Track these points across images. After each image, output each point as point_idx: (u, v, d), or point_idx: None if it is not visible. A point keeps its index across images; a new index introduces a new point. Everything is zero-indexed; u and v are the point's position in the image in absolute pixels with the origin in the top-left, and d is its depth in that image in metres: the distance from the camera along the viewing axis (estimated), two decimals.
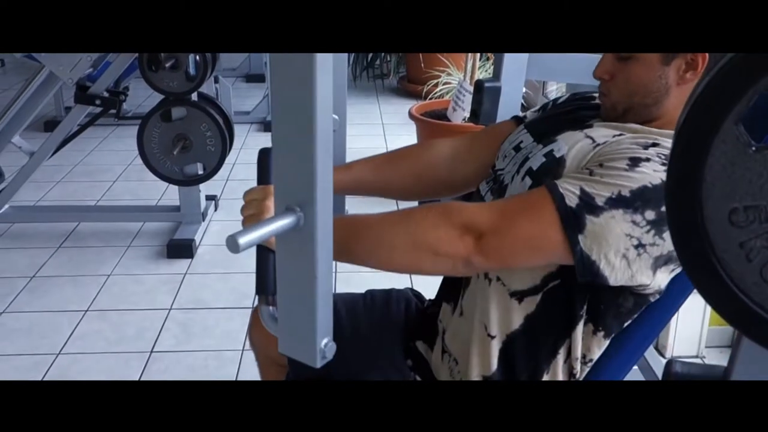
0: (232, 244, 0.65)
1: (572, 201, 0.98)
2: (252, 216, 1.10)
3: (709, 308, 2.17)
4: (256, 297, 1.04)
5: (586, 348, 1.13)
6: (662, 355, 2.28)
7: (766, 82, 0.51)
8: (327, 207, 0.69)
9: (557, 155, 1.10)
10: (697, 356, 2.29)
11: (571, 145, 1.10)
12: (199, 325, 2.54)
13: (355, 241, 1.06)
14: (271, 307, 1.00)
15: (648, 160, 1.00)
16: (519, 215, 1.02)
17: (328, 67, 0.65)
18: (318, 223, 0.68)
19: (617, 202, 0.97)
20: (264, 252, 1.04)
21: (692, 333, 2.28)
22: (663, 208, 0.97)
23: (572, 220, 0.98)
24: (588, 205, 0.98)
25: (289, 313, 0.75)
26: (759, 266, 0.56)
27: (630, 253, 0.99)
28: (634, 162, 1.00)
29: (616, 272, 1.00)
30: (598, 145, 1.08)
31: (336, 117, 0.73)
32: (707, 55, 1.08)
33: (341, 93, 1.36)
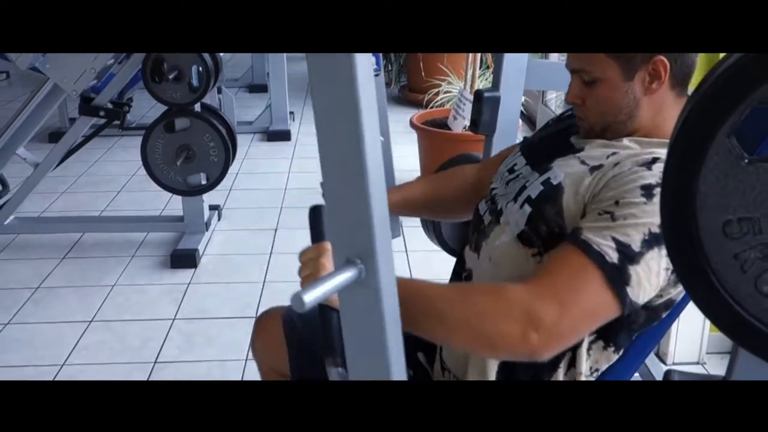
0: (298, 302, 0.62)
1: (612, 257, 0.98)
2: (309, 276, 1.02)
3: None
4: (266, 311, 0.99)
5: (594, 361, 1.13)
6: (663, 361, 2.27)
7: (759, 95, 0.51)
8: (388, 257, 0.66)
9: (554, 182, 1.11)
10: (698, 362, 2.29)
11: (567, 171, 1.11)
12: (203, 335, 2.54)
13: (413, 312, 0.98)
14: (339, 369, 0.93)
15: (659, 185, 1.00)
16: (570, 293, 0.99)
17: (373, 111, 0.63)
18: (381, 274, 0.66)
19: (651, 242, 0.98)
20: (326, 311, 0.98)
21: (693, 339, 2.27)
22: None
23: (617, 277, 0.98)
24: (627, 256, 0.98)
25: (361, 370, 0.72)
26: (753, 277, 0.56)
27: (666, 281, 1.02)
28: (648, 190, 1.00)
29: (651, 299, 1.03)
30: (594, 168, 1.09)
31: (382, 138, 0.71)
32: (666, 61, 1.10)
33: (383, 115, 1.35)
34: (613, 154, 1.11)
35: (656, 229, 0.98)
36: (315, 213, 1.09)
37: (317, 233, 1.07)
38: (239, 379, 2.28)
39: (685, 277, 0.58)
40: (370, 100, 0.62)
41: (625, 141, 1.14)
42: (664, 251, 0.98)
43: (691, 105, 0.54)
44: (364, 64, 0.61)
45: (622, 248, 0.98)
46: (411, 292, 1.00)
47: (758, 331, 0.56)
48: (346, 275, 0.64)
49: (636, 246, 0.98)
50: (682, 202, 0.55)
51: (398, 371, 0.70)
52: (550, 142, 1.28)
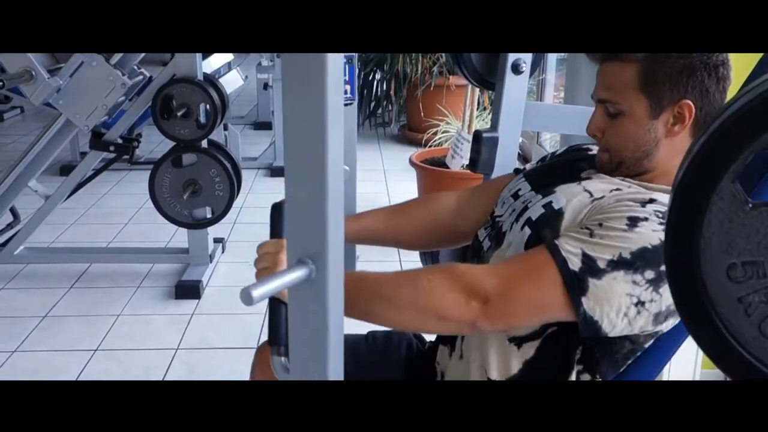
0: (246, 297, 0.64)
1: (575, 264, 0.97)
2: (265, 269, 1.08)
3: (701, 352, 2.14)
4: (266, 342, 1.02)
5: None
6: None
7: (761, 142, 0.50)
8: (338, 260, 0.68)
9: (555, 207, 1.09)
10: None
11: (569, 198, 1.10)
12: (205, 365, 2.50)
13: (362, 300, 1.04)
14: (282, 358, 0.98)
15: (646, 219, 0.99)
16: (523, 280, 1.01)
17: (340, 122, 0.65)
18: (329, 276, 0.67)
19: (618, 264, 0.97)
20: (276, 304, 1.02)
21: (685, 376, 2.24)
22: (662, 267, 0.96)
23: (575, 284, 0.97)
24: (590, 268, 0.97)
25: (301, 364, 0.73)
26: (757, 321, 0.54)
27: (630, 311, 0.98)
28: (633, 222, 0.99)
29: (616, 329, 0.99)
30: (596, 199, 1.08)
31: (347, 168, 0.72)
32: (693, 107, 1.08)
33: (351, 145, 1.36)
34: (617, 189, 1.10)
35: (627, 255, 0.96)
36: (276, 210, 1.13)
37: (277, 229, 1.12)
38: None
39: (689, 319, 0.56)
40: (337, 106, 0.64)
41: (632, 182, 1.13)
42: (631, 278, 0.96)
43: (695, 150, 0.53)
44: (335, 64, 0.63)
45: (588, 261, 0.97)
46: (360, 280, 1.05)
47: (762, 374, 0.55)
48: (296, 274, 0.66)
49: (602, 263, 0.97)
50: (686, 246, 0.54)
51: (336, 367, 0.71)
52: (556, 168, 1.26)
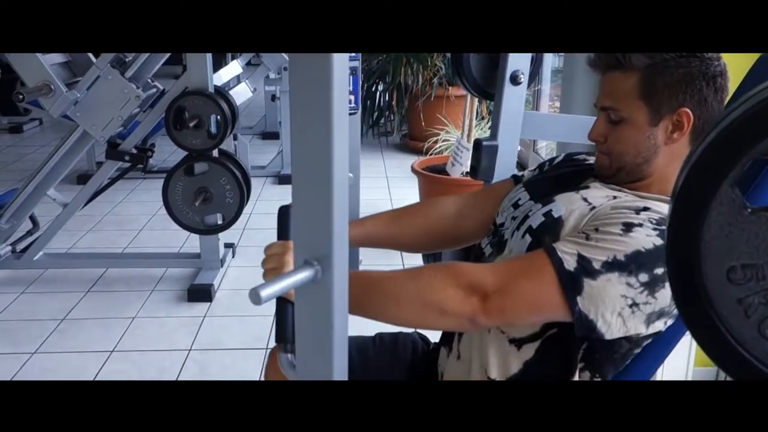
0: (255, 297, 0.63)
1: (570, 265, 0.97)
2: (272, 270, 1.07)
3: (694, 349, 2.13)
4: (275, 343, 1.01)
5: None
6: None
7: (761, 148, 0.49)
8: (343, 261, 0.68)
9: (555, 216, 1.09)
10: None
11: (569, 206, 1.09)
12: (217, 365, 2.49)
13: (365, 297, 1.03)
14: (289, 355, 0.98)
15: (641, 225, 0.99)
16: (521, 277, 1.00)
17: (344, 127, 0.64)
18: (335, 277, 0.67)
19: (613, 265, 0.96)
20: (283, 303, 1.02)
21: (678, 375, 2.23)
22: (655, 271, 0.96)
23: (571, 283, 0.96)
24: (585, 269, 0.96)
25: (307, 361, 0.73)
26: (757, 322, 0.53)
27: (625, 312, 0.97)
28: (628, 227, 0.99)
29: (611, 329, 0.98)
30: (594, 207, 1.07)
31: (351, 175, 0.72)
32: (691, 115, 1.07)
33: (355, 153, 1.36)
34: (614, 198, 1.09)
35: (621, 258, 0.96)
36: (283, 212, 1.11)
37: (284, 231, 1.11)
38: None
39: (691, 321, 0.55)
40: (342, 111, 0.63)
41: (627, 191, 1.12)
42: (625, 279, 0.95)
43: (695, 157, 0.52)
44: (340, 66, 0.62)
45: (583, 262, 0.97)
46: (363, 278, 1.04)
47: (762, 374, 0.54)
48: (303, 275, 0.66)
49: (596, 264, 0.96)
50: (687, 250, 0.53)
51: (340, 365, 0.71)
52: (555, 178, 1.26)
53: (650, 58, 1.07)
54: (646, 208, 1.03)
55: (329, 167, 0.64)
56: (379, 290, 1.04)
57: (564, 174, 1.26)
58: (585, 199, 1.10)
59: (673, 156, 1.11)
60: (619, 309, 0.97)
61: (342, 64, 0.63)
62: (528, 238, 1.10)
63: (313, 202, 0.66)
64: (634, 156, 1.12)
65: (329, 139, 0.63)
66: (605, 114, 1.14)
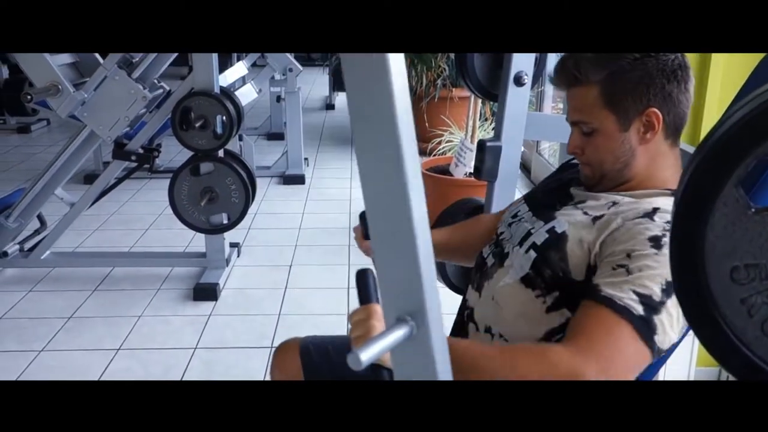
0: (355, 362, 0.59)
1: (637, 310, 0.95)
2: (360, 337, 0.98)
3: (696, 349, 2.12)
4: (284, 343, 0.97)
5: None
6: None
7: (765, 148, 0.49)
8: (437, 313, 0.63)
9: (558, 231, 1.10)
10: None
11: (571, 221, 1.10)
12: (222, 363, 2.50)
13: (456, 369, 0.98)
14: None
15: (665, 235, 0.98)
16: (609, 350, 0.95)
17: (417, 169, 0.60)
18: (431, 329, 0.62)
19: (668, 290, 0.95)
20: (378, 371, 0.92)
21: (680, 374, 2.22)
22: None
23: (645, 328, 0.94)
24: (650, 306, 0.95)
25: None
26: (760, 321, 0.53)
27: (680, 323, 0.98)
28: (656, 241, 0.98)
29: (665, 345, 0.98)
30: (596, 217, 1.08)
31: None
32: (659, 113, 1.09)
33: None
34: (614, 204, 1.10)
35: (670, 278, 0.95)
36: (362, 276, 1.03)
37: (365, 295, 1.01)
38: None
39: (695, 321, 0.55)
40: (413, 155, 0.58)
41: (622, 194, 1.13)
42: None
43: (699, 158, 0.52)
44: (405, 119, 0.58)
45: (645, 300, 0.95)
46: (455, 350, 0.97)
47: (765, 373, 0.54)
48: (398, 333, 0.61)
49: (657, 296, 0.95)
50: (690, 250, 0.53)
51: None
52: (552, 193, 1.27)
53: (605, 68, 1.08)
54: (656, 209, 1.03)
55: (410, 218, 0.59)
56: (471, 367, 0.97)
57: (560, 186, 1.27)
58: (585, 213, 1.11)
59: (651, 154, 1.12)
60: (683, 324, 0.97)
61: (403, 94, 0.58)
62: (532, 254, 1.10)
63: (397, 256, 0.61)
64: (613, 162, 1.13)
65: (405, 188, 0.58)
66: (578, 127, 1.15)
